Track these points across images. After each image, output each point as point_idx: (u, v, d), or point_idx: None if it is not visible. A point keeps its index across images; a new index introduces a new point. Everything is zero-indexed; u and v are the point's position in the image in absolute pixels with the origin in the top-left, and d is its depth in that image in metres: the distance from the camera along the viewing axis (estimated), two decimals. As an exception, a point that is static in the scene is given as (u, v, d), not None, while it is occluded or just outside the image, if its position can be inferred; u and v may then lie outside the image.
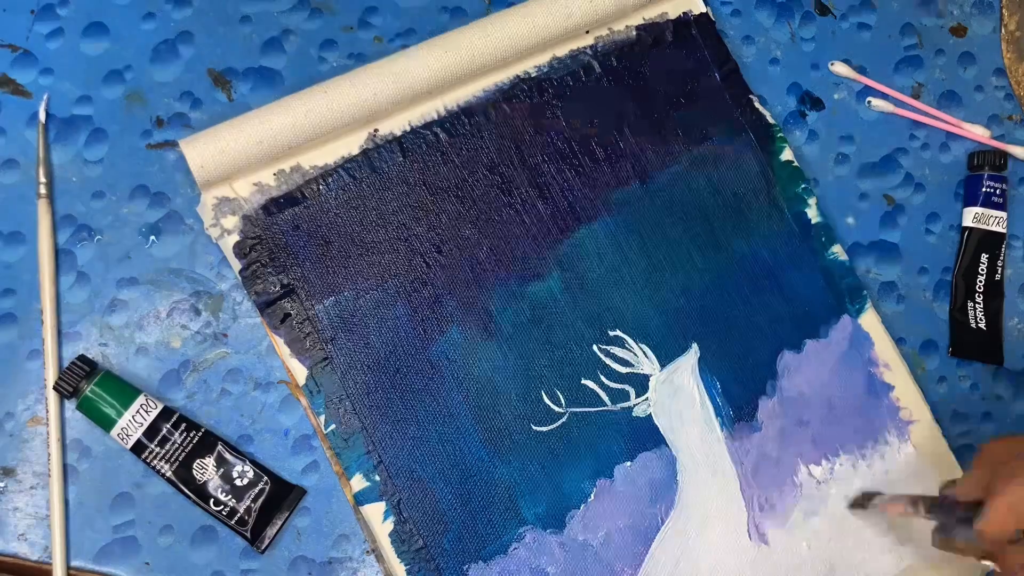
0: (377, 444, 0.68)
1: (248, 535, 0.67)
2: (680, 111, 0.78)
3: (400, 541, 0.68)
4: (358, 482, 0.68)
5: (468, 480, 0.69)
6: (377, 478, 0.68)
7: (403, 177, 0.72)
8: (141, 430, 0.65)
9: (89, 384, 0.65)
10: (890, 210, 0.83)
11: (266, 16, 0.75)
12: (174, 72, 0.73)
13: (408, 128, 0.73)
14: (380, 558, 0.69)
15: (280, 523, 0.68)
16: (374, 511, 0.68)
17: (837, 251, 0.79)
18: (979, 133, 0.85)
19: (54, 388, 0.65)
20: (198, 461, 0.66)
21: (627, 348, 0.74)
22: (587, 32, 0.77)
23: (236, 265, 0.69)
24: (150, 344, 0.69)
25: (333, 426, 0.68)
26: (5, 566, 0.65)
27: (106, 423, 0.65)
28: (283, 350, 0.68)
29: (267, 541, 0.67)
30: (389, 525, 0.68)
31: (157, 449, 0.65)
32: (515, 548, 0.69)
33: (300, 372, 0.68)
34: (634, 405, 0.73)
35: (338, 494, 0.69)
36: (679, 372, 0.74)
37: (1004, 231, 0.83)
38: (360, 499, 0.68)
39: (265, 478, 0.67)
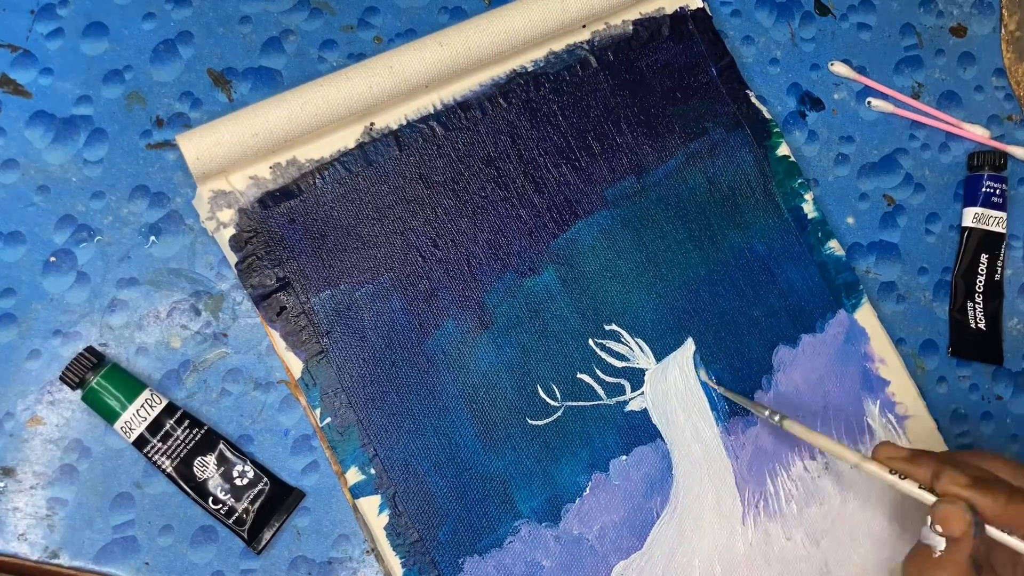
0: (372, 437, 0.68)
1: (245, 535, 0.67)
2: (676, 105, 0.78)
3: (395, 534, 0.67)
4: (353, 475, 0.68)
5: (463, 473, 0.69)
6: (372, 471, 0.68)
7: (399, 171, 0.72)
8: (144, 424, 0.65)
9: (95, 376, 0.65)
10: (890, 210, 0.83)
11: (266, 16, 0.75)
12: (174, 72, 0.73)
13: (404, 122, 0.73)
14: (380, 558, 0.69)
15: (278, 525, 0.68)
16: (369, 504, 0.68)
17: (833, 246, 0.79)
18: (979, 133, 0.85)
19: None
20: (199, 459, 0.66)
21: (623, 342, 0.74)
22: (583, 27, 0.77)
23: (232, 258, 0.69)
24: (150, 344, 0.69)
25: (329, 419, 0.68)
26: (5, 566, 0.65)
27: (110, 416, 0.65)
28: (279, 343, 0.68)
29: (264, 542, 0.67)
30: (384, 518, 0.68)
31: (159, 444, 0.65)
32: (510, 541, 0.69)
33: (296, 365, 0.68)
34: (629, 399, 0.73)
35: (338, 494, 0.69)
36: (674, 366, 0.74)
37: (1004, 231, 0.83)
38: (356, 492, 0.68)
39: (265, 479, 0.67)
